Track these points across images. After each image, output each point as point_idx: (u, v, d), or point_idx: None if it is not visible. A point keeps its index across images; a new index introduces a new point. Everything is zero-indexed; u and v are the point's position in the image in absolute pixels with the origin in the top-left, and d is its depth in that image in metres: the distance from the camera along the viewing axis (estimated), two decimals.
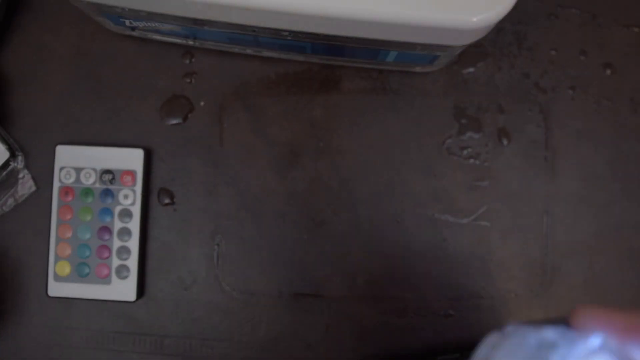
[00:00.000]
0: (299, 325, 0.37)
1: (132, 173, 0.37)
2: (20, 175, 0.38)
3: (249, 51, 0.37)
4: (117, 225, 0.36)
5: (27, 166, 0.38)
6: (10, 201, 0.37)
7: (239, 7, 0.27)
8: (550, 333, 0.16)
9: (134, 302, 0.37)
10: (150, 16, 0.31)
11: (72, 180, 0.37)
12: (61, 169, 0.37)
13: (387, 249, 0.37)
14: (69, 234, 0.36)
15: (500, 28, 0.38)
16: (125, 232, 0.36)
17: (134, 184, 0.37)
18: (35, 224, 0.38)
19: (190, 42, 0.37)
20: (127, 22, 0.34)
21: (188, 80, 0.38)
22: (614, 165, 0.37)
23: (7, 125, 0.38)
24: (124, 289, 0.36)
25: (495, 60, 0.38)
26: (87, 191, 0.37)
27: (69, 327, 0.37)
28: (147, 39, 0.37)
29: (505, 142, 0.38)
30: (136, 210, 0.37)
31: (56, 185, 0.37)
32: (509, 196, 0.37)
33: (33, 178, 0.38)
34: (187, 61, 0.38)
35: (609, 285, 0.37)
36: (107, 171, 0.37)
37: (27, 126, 0.38)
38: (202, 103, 0.38)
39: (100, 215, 0.37)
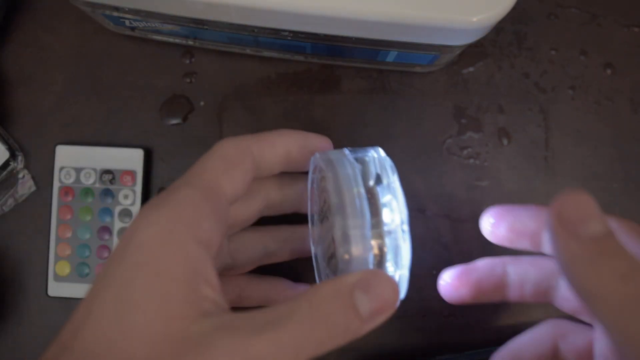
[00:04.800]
0: None
1: (132, 173, 0.37)
2: (20, 175, 0.38)
3: (249, 51, 0.37)
4: (117, 225, 0.36)
5: (27, 166, 0.38)
6: (10, 201, 0.37)
7: (239, 7, 0.27)
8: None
9: None
10: (150, 16, 0.31)
11: (72, 180, 0.37)
12: (61, 169, 0.37)
13: None
14: (69, 234, 0.37)
15: (500, 28, 0.38)
16: None
17: (134, 184, 0.37)
18: (35, 224, 0.38)
19: (190, 42, 0.37)
20: (127, 22, 0.34)
21: (188, 80, 0.38)
22: (614, 165, 0.37)
23: (7, 125, 0.38)
24: None
25: (495, 60, 0.38)
26: (87, 191, 0.37)
27: None
28: (147, 39, 0.37)
29: (505, 142, 0.38)
30: (136, 210, 0.37)
31: (56, 185, 0.37)
32: (509, 196, 0.37)
33: (33, 178, 0.38)
34: (187, 61, 0.38)
35: None
36: (107, 171, 0.37)
37: (27, 126, 0.38)
38: (202, 103, 0.38)
39: (100, 215, 0.37)
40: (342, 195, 0.23)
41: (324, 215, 0.27)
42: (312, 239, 0.31)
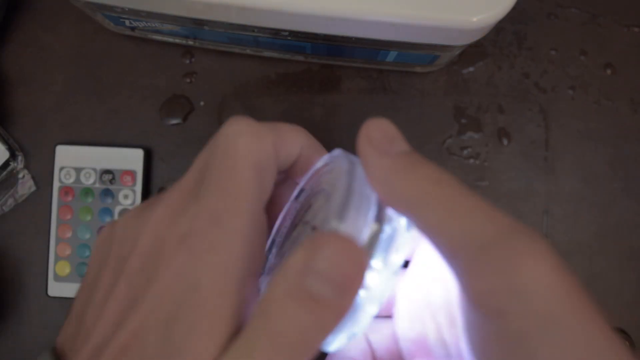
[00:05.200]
0: None
1: (132, 173, 0.37)
2: (20, 175, 0.38)
3: (249, 51, 0.37)
4: None
5: (27, 166, 0.38)
6: (10, 201, 0.37)
7: (239, 7, 0.27)
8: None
9: None
10: (150, 16, 0.31)
11: (72, 180, 0.37)
12: (61, 169, 0.37)
13: None
14: (69, 234, 0.37)
15: (500, 28, 0.38)
16: None
17: (134, 184, 0.37)
18: (35, 224, 0.38)
19: (190, 42, 0.37)
20: (127, 22, 0.34)
21: (188, 80, 0.38)
22: (614, 165, 0.37)
23: (7, 125, 0.38)
24: None
25: (495, 60, 0.38)
26: (87, 191, 0.37)
27: None
28: (147, 39, 0.37)
29: (505, 142, 0.38)
30: None
31: (56, 185, 0.37)
32: (509, 196, 0.37)
33: (33, 178, 0.38)
34: (187, 61, 0.38)
35: (609, 285, 0.37)
36: (107, 171, 0.37)
37: (27, 126, 0.38)
38: (202, 103, 0.38)
39: (100, 215, 0.37)
40: (353, 180, 0.20)
41: (298, 222, 0.23)
42: (265, 271, 0.25)
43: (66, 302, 0.37)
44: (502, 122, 0.38)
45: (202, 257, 0.18)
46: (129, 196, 0.37)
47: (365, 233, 0.19)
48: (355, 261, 0.16)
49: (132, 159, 0.37)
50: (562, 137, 0.38)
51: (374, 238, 0.19)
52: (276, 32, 0.31)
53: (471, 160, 0.37)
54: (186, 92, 0.38)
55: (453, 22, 0.27)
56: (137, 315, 0.18)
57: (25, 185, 0.38)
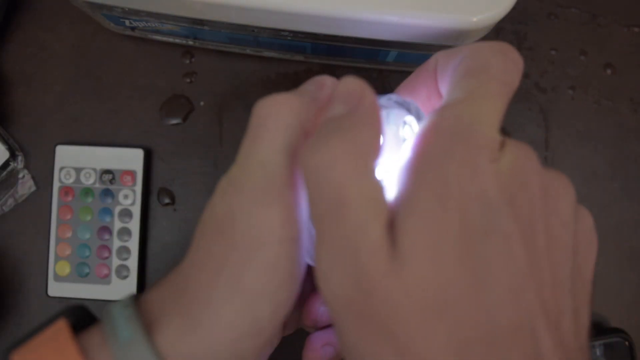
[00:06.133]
0: None
1: (132, 173, 0.37)
2: (20, 175, 0.38)
3: (249, 51, 0.37)
4: (117, 225, 0.36)
5: (27, 166, 0.38)
6: (10, 201, 0.37)
7: (239, 7, 0.27)
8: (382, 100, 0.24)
9: None
10: (150, 16, 0.31)
11: (72, 180, 0.37)
12: (61, 169, 0.37)
13: None
14: (69, 234, 0.37)
15: (500, 28, 0.38)
16: (125, 232, 0.36)
17: (134, 184, 0.37)
18: (35, 224, 0.38)
19: (190, 42, 0.37)
20: (127, 22, 0.34)
21: (188, 80, 0.38)
22: (614, 165, 0.37)
23: (7, 125, 0.38)
24: (124, 289, 0.36)
25: None
26: (87, 191, 0.37)
27: None
28: (147, 39, 0.37)
29: None
30: (136, 210, 0.37)
31: (56, 185, 0.37)
32: None
33: (33, 178, 0.38)
34: (187, 61, 0.38)
35: (609, 285, 0.37)
36: (107, 171, 0.37)
37: (27, 126, 0.38)
38: (202, 103, 0.38)
39: (100, 215, 0.37)
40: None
41: None
42: None
43: (66, 302, 0.37)
44: (502, 122, 0.38)
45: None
46: (129, 196, 0.37)
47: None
48: (357, 87, 0.22)
49: (132, 159, 0.37)
50: (562, 137, 0.38)
51: None
52: (276, 32, 0.31)
53: None
54: (186, 92, 0.38)
55: (453, 22, 0.27)
56: None
57: (25, 185, 0.38)
